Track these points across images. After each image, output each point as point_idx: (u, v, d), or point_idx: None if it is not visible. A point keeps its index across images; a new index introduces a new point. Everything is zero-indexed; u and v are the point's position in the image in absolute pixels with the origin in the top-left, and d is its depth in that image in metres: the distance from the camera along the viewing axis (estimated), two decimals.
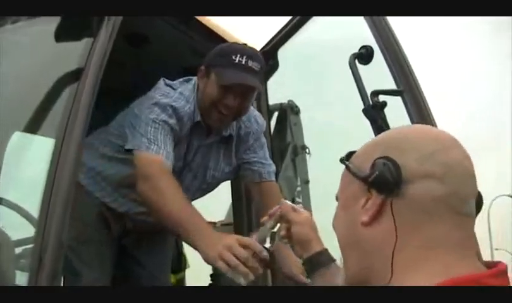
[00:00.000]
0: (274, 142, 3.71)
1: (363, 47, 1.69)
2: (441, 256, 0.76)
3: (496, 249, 17.44)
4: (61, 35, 1.68)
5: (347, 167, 0.86)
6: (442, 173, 0.78)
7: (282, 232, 1.50)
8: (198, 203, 2.11)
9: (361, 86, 1.63)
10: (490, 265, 0.80)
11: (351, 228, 0.83)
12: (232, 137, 2.00)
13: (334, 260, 1.42)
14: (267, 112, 2.60)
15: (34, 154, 1.99)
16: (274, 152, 3.58)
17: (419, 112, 1.60)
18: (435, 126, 1.59)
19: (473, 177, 0.81)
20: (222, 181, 2.14)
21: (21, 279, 1.46)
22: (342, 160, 0.88)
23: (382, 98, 1.61)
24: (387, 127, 1.54)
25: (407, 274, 0.76)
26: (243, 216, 2.62)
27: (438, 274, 0.74)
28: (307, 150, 3.92)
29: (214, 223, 3.37)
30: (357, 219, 0.81)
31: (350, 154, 0.89)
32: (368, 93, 1.62)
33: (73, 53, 1.59)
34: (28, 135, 2.01)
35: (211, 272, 3.11)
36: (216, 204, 3.25)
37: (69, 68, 1.58)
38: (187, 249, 3.00)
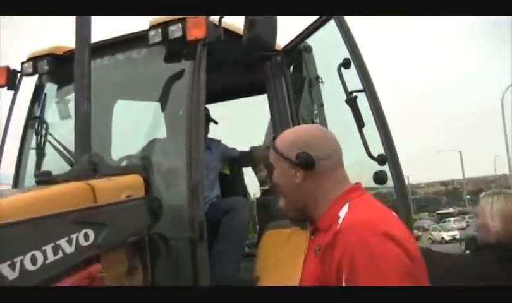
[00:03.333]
0: (293, 78, 4.53)
1: (345, 59, 2.93)
2: (340, 186, 1.55)
3: None
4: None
5: (281, 155, 1.55)
6: (331, 154, 1.54)
7: None
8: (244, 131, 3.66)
9: (345, 85, 2.89)
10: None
11: (290, 183, 1.55)
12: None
13: None
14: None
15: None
16: (294, 86, 4.37)
17: (374, 103, 2.84)
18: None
19: (341, 148, 1.58)
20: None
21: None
22: (274, 148, 1.58)
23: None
24: (359, 112, 2.80)
25: (330, 199, 1.53)
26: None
27: (339, 190, 1.53)
28: (320, 79, 4.90)
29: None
30: (293, 179, 1.54)
31: (273, 139, 1.65)
32: None
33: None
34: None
35: None
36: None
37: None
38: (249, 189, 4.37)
